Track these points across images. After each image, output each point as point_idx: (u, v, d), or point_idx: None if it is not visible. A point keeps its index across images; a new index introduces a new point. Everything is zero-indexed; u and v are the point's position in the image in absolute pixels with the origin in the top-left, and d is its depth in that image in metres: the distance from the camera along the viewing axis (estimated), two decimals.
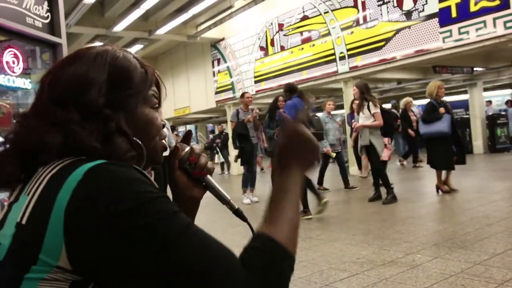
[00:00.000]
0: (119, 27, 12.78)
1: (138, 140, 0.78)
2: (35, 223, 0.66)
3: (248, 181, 7.67)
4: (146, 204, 0.64)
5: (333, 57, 11.77)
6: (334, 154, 8.36)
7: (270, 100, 8.25)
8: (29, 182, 0.71)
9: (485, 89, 16.04)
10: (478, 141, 14.25)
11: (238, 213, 0.90)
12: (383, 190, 6.49)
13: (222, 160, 16.10)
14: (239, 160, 8.00)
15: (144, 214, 0.63)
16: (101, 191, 0.64)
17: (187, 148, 0.90)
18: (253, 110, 7.77)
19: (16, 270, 0.65)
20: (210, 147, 16.53)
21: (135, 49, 15.90)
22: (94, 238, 0.62)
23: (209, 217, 6.65)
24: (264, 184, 8.24)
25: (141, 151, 0.79)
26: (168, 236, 0.63)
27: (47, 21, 4.11)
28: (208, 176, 0.91)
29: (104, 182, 0.65)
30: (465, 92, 16.38)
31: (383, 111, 6.58)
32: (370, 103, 6.37)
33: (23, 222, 0.67)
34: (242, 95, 7.96)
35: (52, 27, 4.18)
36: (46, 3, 3.94)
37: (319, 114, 8.63)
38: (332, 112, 9.18)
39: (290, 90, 6.35)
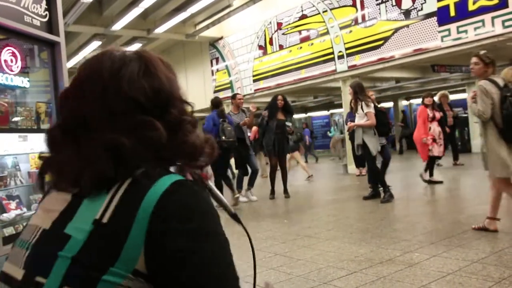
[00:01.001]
0: (117, 26, 12.77)
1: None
2: (118, 224, 0.68)
3: (242, 182, 7.66)
4: (215, 235, 0.73)
5: (332, 56, 11.77)
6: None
7: (268, 99, 8.24)
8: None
9: None
10: (476, 140, 14.25)
11: (235, 217, 0.96)
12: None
13: None
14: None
15: (212, 245, 0.71)
16: (183, 208, 0.70)
17: None
18: (248, 109, 7.72)
19: (92, 269, 0.66)
20: None
21: (133, 48, 15.85)
22: (166, 247, 0.67)
23: None
24: (264, 184, 8.25)
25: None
26: (217, 271, 0.70)
27: (45, 19, 4.11)
28: (209, 181, 0.94)
29: (187, 199, 0.71)
30: (464, 91, 16.41)
31: (379, 110, 6.59)
32: (363, 103, 6.39)
33: (104, 220, 0.68)
34: (234, 96, 7.85)
35: (50, 25, 4.18)
36: (44, 1, 3.94)
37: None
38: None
39: (213, 104, 7.32)
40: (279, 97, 7.62)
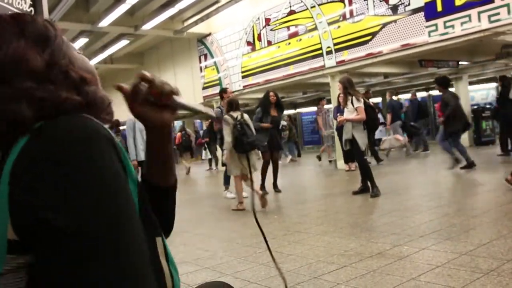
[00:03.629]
0: (104, 23, 12.65)
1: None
2: None
3: (229, 178, 7.65)
4: (92, 181, 0.58)
5: (320, 51, 11.79)
6: None
7: (257, 95, 8.23)
8: None
9: (470, 83, 16.21)
10: (463, 134, 14.37)
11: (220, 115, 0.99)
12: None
13: (210, 156, 15.98)
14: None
15: (84, 194, 0.57)
16: (45, 152, 0.58)
17: (142, 84, 0.82)
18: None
19: None
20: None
21: (121, 44, 15.74)
22: (29, 201, 0.56)
23: (198, 212, 6.65)
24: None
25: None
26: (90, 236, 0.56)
27: None
28: (174, 96, 0.86)
29: (52, 142, 0.60)
30: (451, 85, 16.53)
31: (368, 106, 6.62)
32: (354, 98, 6.42)
33: None
34: (225, 91, 7.79)
35: None
36: None
37: None
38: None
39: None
40: (271, 93, 7.66)
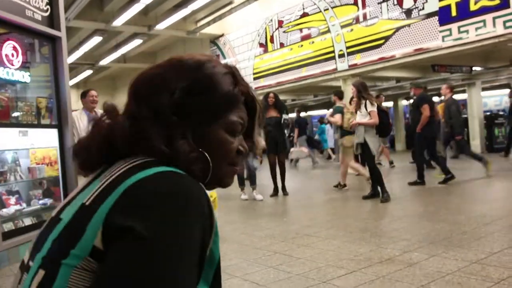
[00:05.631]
0: (118, 22, 12.73)
1: (204, 152, 0.79)
2: (92, 206, 0.68)
3: (244, 179, 7.66)
4: (173, 235, 0.64)
5: (333, 54, 11.77)
6: None
7: None
8: (107, 171, 0.75)
9: (484, 89, 16.07)
10: (476, 141, 14.27)
11: None
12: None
13: None
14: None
15: (158, 248, 0.62)
16: (148, 195, 0.66)
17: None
18: None
19: (59, 253, 0.67)
20: None
21: (134, 44, 15.83)
22: (115, 225, 0.64)
23: None
24: (261, 181, 8.24)
25: (208, 164, 0.79)
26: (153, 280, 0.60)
27: (47, 14, 4.09)
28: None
29: (157, 189, 0.67)
30: (464, 91, 16.41)
31: (381, 110, 6.60)
32: (367, 102, 6.40)
33: (87, 203, 0.70)
34: None
35: (52, 20, 4.16)
36: None
37: None
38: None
39: None
40: (270, 94, 7.74)
